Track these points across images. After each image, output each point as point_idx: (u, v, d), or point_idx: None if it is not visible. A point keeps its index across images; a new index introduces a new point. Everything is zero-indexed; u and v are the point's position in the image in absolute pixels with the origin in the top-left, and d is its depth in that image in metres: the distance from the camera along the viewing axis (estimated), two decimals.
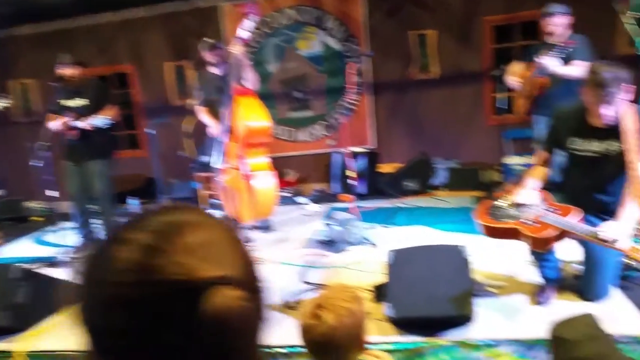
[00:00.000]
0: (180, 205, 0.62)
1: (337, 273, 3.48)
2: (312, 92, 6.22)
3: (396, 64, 5.98)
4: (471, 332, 2.59)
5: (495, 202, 2.83)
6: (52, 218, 5.20)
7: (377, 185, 5.59)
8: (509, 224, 2.66)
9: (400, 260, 2.85)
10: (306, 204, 5.47)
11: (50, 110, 4.39)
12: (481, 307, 2.73)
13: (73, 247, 4.36)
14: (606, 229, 2.33)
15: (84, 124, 4.21)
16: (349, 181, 4.45)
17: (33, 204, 6.22)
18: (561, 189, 2.83)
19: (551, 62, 3.64)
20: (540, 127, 3.87)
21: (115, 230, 0.58)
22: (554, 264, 2.84)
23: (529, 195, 2.71)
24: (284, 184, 6.03)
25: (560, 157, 2.85)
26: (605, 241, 2.31)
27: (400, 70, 5.99)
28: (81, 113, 4.27)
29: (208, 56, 4.26)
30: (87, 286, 0.56)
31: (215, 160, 4.15)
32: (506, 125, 5.31)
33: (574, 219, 2.50)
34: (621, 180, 2.53)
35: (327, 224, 4.04)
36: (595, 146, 2.63)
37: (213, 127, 4.23)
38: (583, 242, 2.68)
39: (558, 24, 3.76)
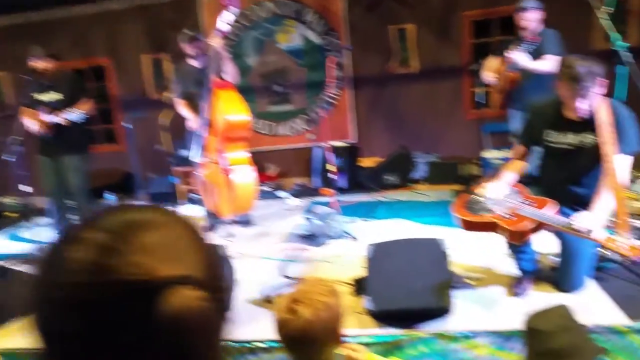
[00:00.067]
0: (138, 203, 0.60)
1: (318, 267, 3.47)
2: (292, 86, 6.19)
3: (376, 58, 5.99)
4: (449, 323, 2.61)
5: (473, 196, 2.85)
6: (26, 214, 5.10)
7: (357, 179, 5.60)
8: (486, 217, 2.69)
9: (380, 253, 2.87)
10: (287, 198, 5.46)
11: (23, 104, 4.29)
12: (459, 299, 2.75)
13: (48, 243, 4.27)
14: (579, 219, 2.36)
15: (59, 118, 4.12)
16: (330, 175, 4.44)
17: (7, 199, 6.08)
18: (537, 182, 2.87)
19: (520, 57, 3.68)
20: (516, 121, 3.92)
21: (70, 229, 0.56)
22: (530, 256, 2.88)
23: (497, 189, 2.74)
24: (264, 178, 6.00)
25: (536, 150, 2.89)
26: (579, 231, 2.35)
27: (380, 64, 6.00)
28: (55, 107, 4.18)
29: (187, 48, 4.20)
30: (39, 288, 0.54)
31: (194, 154, 4.11)
32: (485, 120, 5.36)
33: (549, 211, 2.53)
34: (596, 172, 2.58)
35: (308, 218, 4.03)
36: (570, 139, 2.67)
37: (192, 120, 4.17)
38: (559, 234, 2.72)
39: (531, 18, 3.79)
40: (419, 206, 4.81)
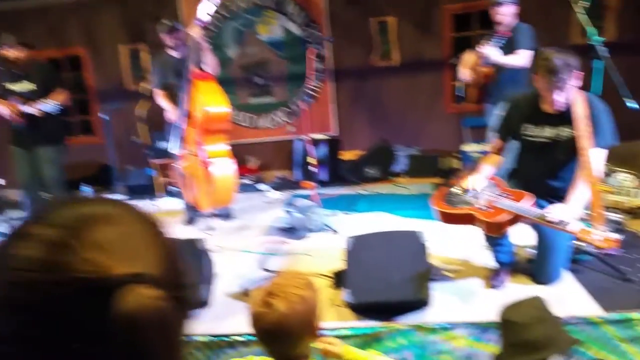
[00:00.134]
0: (92, 196, 0.57)
1: (298, 260, 3.46)
2: (273, 78, 6.14)
3: (357, 50, 5.97)
4: (428, 315, 2.63)
5: (452, 189, 2.87)
6: None
7: (338, 172, 5.59)
8: (464, 209, 2.71)
9: (359, 246, 2.86)
10: (267, 191, 5.42)
11: None
12: (438, 291, 2.77)
13: None
14: (554, 212, 2.39)
15: (32, 109, 4.02)
16: (310, 168, 4.43)
17: None
18: (514, 175, 2.90)
19: (491, 52, 3.69)
20: (492, 115, 3.93)
21: (18, 224, 0.53)
22: (507, 249, 2.91)
23: (476, 181, 2.76)
24: (245, 171, 5.95)
25: (513, 144, 2.91)
26: (554, 223, 2.38)
27: (361, 57, 5.98)
28: (28, 97, 4.08)
29: (166, 39, 4.12)
30: None
31: (172, 146, 4.05)
32: (465, 113, 5.40)
33: (526, 203, 2.56)
34: (572, 165, 2.61)
35: (288, 211, 4.01)
36: (547, 132, 2.69)
37: (171, 111, 4.11)
38: (536, 227, 2.75)
39: (505, 13, 3.80)
40: (400, 199, 4.82)
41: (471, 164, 4.26)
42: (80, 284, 0.48)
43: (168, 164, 4.88)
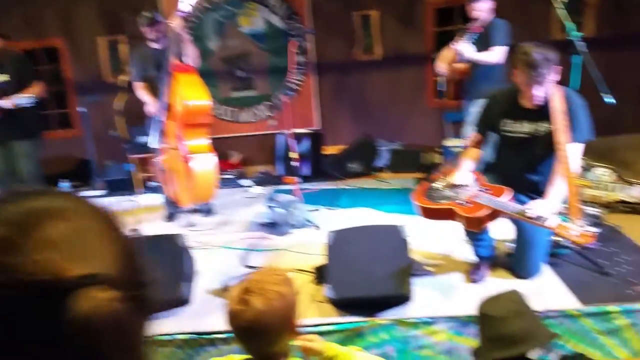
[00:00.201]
0: (42, 190, 0.53)
1: (280, 256, 3.44)
2: (255, 71, 6.08)
3: (340, 44, 5.94)
4: (409, 310, 2.64)
5: (432, 184, 2.87)
6: None
7: (321, 167, 5.57)
8: (444, 205, 2.71)
9: (340, 241, 2.86)
10: (249, 186, 5.38)
11: None
12: (419, 286, 2.78)
13: None
14: (534, 207, 2.41)
15: (7, 102, 3.92)
16: (292, 163, 4.40)
17: None
18: (494, 170, 2.91)
19: (465, 48, 3.68)
20: (469, 111, 3.94)
21: None
22: (487, 243, 2.93)
23: (462, 177, 2.77)
24: (227, 165, 5.90)
25: (493, 138, 2.93)
26: (532, 219, 2.40)
27: (344, 50, 5.96)
28: (2, 89, 3.97)
29: (147, 31, 4.04)
30: None
31: (152, 140, 3.98)
32: (446, 108, 5.41)
33: (505, 198, 2.57)
34: (550, 160, 2.63)
35: (270, 207, 3.98)
36: (525, 127, 2.71)
37: (151, 104, 4.04)
38: (515, 221, 2.78)
39: (482, 9, 3.78)
40: (382, 194, 4.83)
41: (452, 158, 4.27)
42: (29, 288, 0.45)
43: (147, 158, 4.80)
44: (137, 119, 4.63)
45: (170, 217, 4.29)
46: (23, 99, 3.93)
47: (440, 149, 5.34)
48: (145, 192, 5.07)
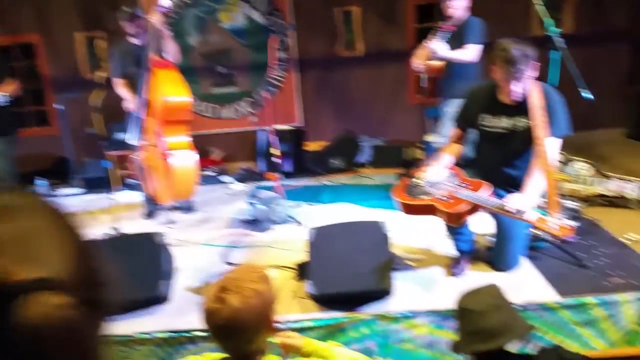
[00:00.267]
0: None
1: (261, 252, 3.42)
2: (236, 67, 6.03)
3: (322, 40, 5.92)
4: (390, 305, 2.64)
5: (413, 180, 2.88)
6: None
7: (303, 163, 5.55)
8: (425, 200, 2.72)
9: (321, 237, 2.85)
10: (231, 183, 5.34)
11: None
12: (400, 281, 2.79)
13: None
14: (512, 201, 2.43)
15: None
16: (274, 159, 4.37)
17: None
18: (473, 165, 2.93)
19: (438, 46, 3.65)
20: (444, 110, 3.94)
21: None
22: (467, 237, 2.94)
23: (442, 172, 2.77)
24: (208, 162, 5.84)
25: (472, 135, 2.94)
26: (511, 212, 2.41)
27: (325, 46, 5.94)
28: None
29: (127, 27, 3.98)
30: None
31: (130, 137, 3.92)
32: (427, 104, 5.42)
33: (484, 193, 2.59)
34: (528, 155, 2.65)
35: (251, 203, 3.95)
36: (504, 122, 2.73)
37: (130, 101, 3.97)
38: (494, 215, 2.79)
39: (457, 6, 3.76)
40: (364, 190, 4.82)
41: (434, 154, 4.29)
42: None
43: (126, 155, 4.73)
44: (116, 115, 4.56)
45: (150, 215, 4.23)
46: None
47: (422, 144, 5.36)
48: (124, 190, 4.99)
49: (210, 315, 1.29)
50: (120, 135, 4.47)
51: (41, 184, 5.23)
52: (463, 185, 2.68)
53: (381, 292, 2.66)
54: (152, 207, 4.21)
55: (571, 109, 2.68)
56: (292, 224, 3.90)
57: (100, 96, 3.80)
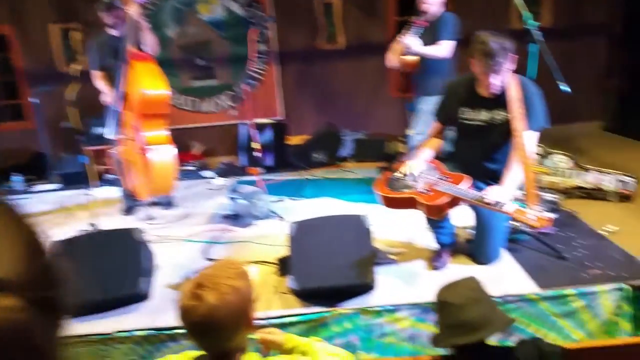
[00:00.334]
0: None
1: (243, 248, 3.39)
2: (216, 60, 5.95)
3: (302, 33, 5.87)
4: (373, 299, 2.64)
5: (394, 174, 2.87)
6: None
7: (285, 158, 5.52)
8: (406, 193, 2.72)
9: (302, 231, 2.83)
10: (212, 177, 5.28)
11: None
12: (382, 275, 2.78)
13: None
14: (490, 193, 2.44)
15: None
16: (255, 153, 4.33)
17: None
18: (453, 158, 2.93)
19: (412, 42, 3.64)
20: (418, 107, 3.94)
21: None
22: (449, 230, 2.95)
23: (423, 165, 2.78)
24: (188, 157, 5.77)
25: (451, 129, 2.94)
26: (490, 204, 2.42)
27: (306, 39, 5.90)
28: None
29: (105, 17, 3.88)
30: None
31: (108, 131, 3.84)
32: (409, 98, 5.43)
33: (464, 186, 2.59)
34: (507, 148, 2.67)
35: (232, 198, 3.91)
36: (483, 115, 2.73)
37: (107, 94, 3.89)
38: (474, 208, 2.81)
39: (431, 2, 3.74)
40: (347, 184, 4.82)
41: (413, 149, 4.29)
42: None
43: (104, 150, 4.64)
44: (93, 109, 4.46)
45: (129, 211, 4.16)
46: None
47: (404, 137, 5.37)
48: (102, 185, 4.90)
49: (186, 313, 1.27)
50: (97, 130, 4.38)
51: (17, 180, 5.11)
52: (443, 178, 2.69)
53: (364, 287, 2.66)
54: (131, 202, 4.14)
55: (549, 102, 2.70)
56: (274, 219, 3.87)
57: (76, 89, 3.71)
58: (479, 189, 2.59)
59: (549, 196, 3.59)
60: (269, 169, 5.20)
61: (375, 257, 2.83)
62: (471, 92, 2.72)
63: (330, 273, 2.65)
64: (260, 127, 5.14)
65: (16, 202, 0.51)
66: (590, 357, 2.00)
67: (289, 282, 2.72)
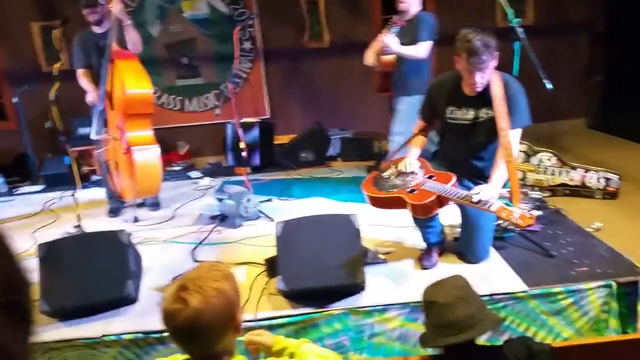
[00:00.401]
0: None
1: (231, 249, 3.36)
2: (201, 58, 5.89)
3: (288, 31, 5.85)
4: (362, 299, 2.63)
5: (381, 173, 2.87)
6: None
7: (272, 157, 5.49)
8: (393, 193, 2.71)
9: (289, 232, 2.79)
10: (199, 178, 5.24)
11: None
12: (371, 274, 2.77)
13: None
14: (477, 192, 2.44)
15: None
16: (242, 153, 4.30)
17: None
18: (438, 157, 2.94)
19: (390, 41, 3.62)
20: (398, 106, 3.94)
21: None
22: (436, 229, 2.95)
23: (410, 164, 2.78)
24: (175, 157, 5.72)
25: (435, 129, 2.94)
26: (476, 203, 2.42)
27: (291, 37, 5.87)
28: None
29: (87, 15, 3.83)
30: None
31: (92, 131, 3.79)
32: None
33: (451, 184, 2.59)
34: (493, 146, 2.67)
35: (219, 199, 3.88)
36: (469, 114, 2.74)
37: (91, 93, 3.83)
38: (461, 207, 2.81)
39: (410, 1, 3.73)
40: (334, 183, 4.80)
41: (395, 149, 4.30)
42: None
43: (89, 150, 4.58)
44: (77, 109, 4.39)
45: (114, 212, 4.11)
46: None
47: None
48: (86, 187, 4.83)
49: (169, 317, 1.24)
50: (82, 130, 4.32)
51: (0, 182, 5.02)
52: (430, 177, 2.69)
53: (354, 287, 2.64)
54: (116, 204, 4.09)
55: (533, 100, 2.70)
56: (262, 219, 3.85)
57: (57, 89, 3.65)
58: (466, 187, 2.59)
59: (534, 194, 3.63)
60: (256, 169, 5.18)
61: (365, 257, 2.82)
62: (456, 90, 2.73)
63: (320, 273, 2.63)
64: (247, 127, 5.11)
65: None
66: (578, 355, 2.01)
67: (277, 283, 2.70)
